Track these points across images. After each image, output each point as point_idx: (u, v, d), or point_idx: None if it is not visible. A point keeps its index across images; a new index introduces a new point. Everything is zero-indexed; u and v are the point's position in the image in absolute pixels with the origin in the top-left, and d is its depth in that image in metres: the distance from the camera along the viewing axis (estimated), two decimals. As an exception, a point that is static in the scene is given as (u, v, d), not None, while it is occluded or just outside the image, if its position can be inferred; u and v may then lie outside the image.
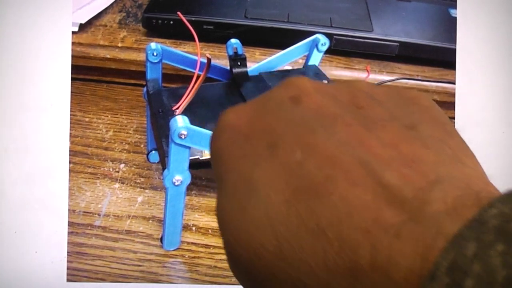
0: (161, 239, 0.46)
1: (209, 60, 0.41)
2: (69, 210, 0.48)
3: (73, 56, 0.51)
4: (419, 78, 0.63)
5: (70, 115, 0.51)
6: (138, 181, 0.52)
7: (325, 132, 0.13)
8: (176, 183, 0.39)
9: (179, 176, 0.39)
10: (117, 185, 0.51)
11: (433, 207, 0.11)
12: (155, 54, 0.44)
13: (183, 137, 0.36)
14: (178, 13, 0.44)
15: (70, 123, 0.50)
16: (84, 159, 0.53)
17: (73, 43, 0.51)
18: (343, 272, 0.11)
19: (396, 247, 0.10)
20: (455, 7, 0.54)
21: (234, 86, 0.47)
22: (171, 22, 0.62)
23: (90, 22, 0.62)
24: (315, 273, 0.11)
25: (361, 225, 0.11)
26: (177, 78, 0.57)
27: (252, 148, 0.14)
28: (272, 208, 0.13)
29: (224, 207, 0.14)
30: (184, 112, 0.41)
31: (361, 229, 0.11)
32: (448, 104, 0.57)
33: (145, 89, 0.48)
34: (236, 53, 0.48)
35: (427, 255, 0.10)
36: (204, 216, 0.49)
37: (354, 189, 0.12)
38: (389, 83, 0.60)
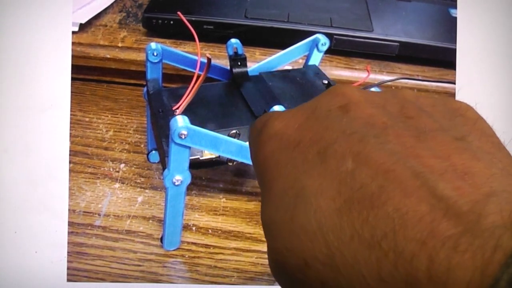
0: (161, 239, 0.46)
1: (209, 60, 0.41)
2: (69, 210, 0.48)
3: (73, 56, 0.51)
4: (419, 78, 0.63)
5: (70, 115, 0.51)
6: (138, 181, 0.52)
7: (376, 141, 0.13)
8: (176, 183, 0.39)
9: (179, 176, 0.39)
10: (117, 185, 0.51)
11: (489, 220, 0.11)
12: (155, 54, 0.44)
13: (183, 137, 0.36)
14: (178, 13, 0.44)
15: (70, 123, 0.50)
16: (84, 159, 0.53)
17: (73, 43, 0.51)
18: (399, 284, 0.11)
19: (454, 260, 0.10)
20: (455, 7, 0.54)
21: (234, 86, 0.47)
22: (171, 22, 0.62)
23: (90, 22, 0.62)
24: (368, 284, 0.11)
25: (417, 236, 0.11)
26: (177, 78, 0.57)
27: (301, 156, 0.14)
28: (323, 217, 0.12)
29: (272, 215, 0.14)
30: (184, 112, 0.41)
31: (417, 241, 0.11)
32: (448, 104, 0.57)
33: (145, 89, 0.48)
34: (236, 53, 0.48)
35: (486, 268, 0.10)
36: (204, 216, 0.49)
37: (409, 200, 0.12)
38: (389, 83, 0.60)
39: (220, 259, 0.46)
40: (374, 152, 0.13)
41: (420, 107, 0.15)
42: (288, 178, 0.14)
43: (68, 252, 0.46)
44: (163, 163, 0.41)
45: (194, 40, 0.42)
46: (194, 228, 0.48)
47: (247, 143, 0.41)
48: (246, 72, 0.48)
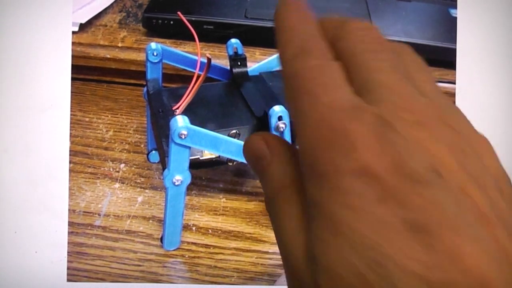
0: (161, 239, 0.46)
1: (209, 60, 0.41)
2: (69, 210, 0.48)
3: (73, 56, 0.51)
4: (419, 78, 0.63)
5: (70, 115, 0.51)
6: (138, 181, 0.52)
7: (473, 234, 0.12)
8: (176, 183, 0.39)
9: (179, 176, 0.39)
10: (117, 185, 0.51)
11: None
12: (155, 54, 0.44)
13: (183, 137, 0.36)
14: (178, 13, 0.44)
15: (70, 123, 0.50)
16: (84, 159, 0.53)
17: (73, 43, 0.51)
18: None
19: None
20: (455, 7, 0.54)
21: (234, 86, 0.47)
22: (171, 22, 0.62)
23: (90, 22, 0.62)
24: None
25: None
26: (177, 78, 0.57)
27: (387, 215, 0.12)
28: None
29: (340, 255, 0.12)
30: (184, 112, 0.41)
31: None
32: (448, 104, 0.57)
33: (145, 89, 0.48)
34: (236, 53, 0.48)
35: None
36: (204, 216, 0.49)
37: None
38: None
39: (220, 259, 0.46)
40: (470, 251, 0.12)
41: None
42: (370, 232, 0.12)
43: (68, 252, 0.46)
44: (163, 163, 0.41)
45: (194, 40, 0.42)
46: (194, 228, 0.48)
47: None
48: (246, 72, 0.48)
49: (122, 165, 0.53)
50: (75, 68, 0.53)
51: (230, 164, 0.43)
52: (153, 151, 0.53)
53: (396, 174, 0.13)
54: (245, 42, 0.48)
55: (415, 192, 0.12)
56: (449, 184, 0.13)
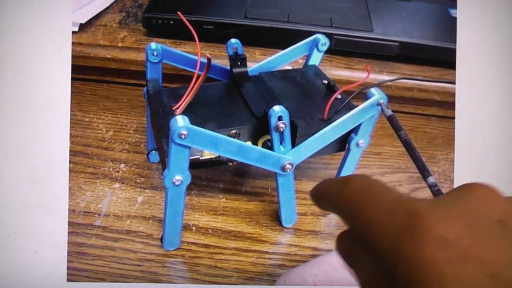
0: (161, 239, 0.46)
1: (209, 60, 0.41)
2: (69, 210, 0.48)
3: (73, 56, 0.51)
4: (419, 78, 0.63)
5: (70, 115, 0.51)
6: (138, 181, 0.52)
7: None
8: (176, 183, 0.39)
9: (179, 176, 0.39)
10: (117, 185, 0.51)
11: None
12: (155, 54, 0.44)
13: (183, 137, 0.36)
14: (178, 13, 0.44)
15: (70, 123, 0.50)
16: (84, 159, 0.53)
17: (73, 43, 0.51)
18: None
19: None
20: (455, 7, 0.54)
21: (234, 86, 0.47)
22: (171, 22, 0.62)
23: (90, 22, 0.62)
24: None
25: None
26: (177, 78, 0.57)
27: (471, 275, 0.14)
28: None
29: None
30: (184, 112, 0.41)
31: None
32: (448, 104, 0.57)
33: (145, 89, 0.48)
34: (236, 53, 0.48)
35: None
36: (204, 216, 0.49)
37: None
38: (389, 82, 0.60)
39: (220, 259, 0.46)
40: None
41: None
42: None
43: (68, 252, 0.46)
44: (163, 163, 0.41)
45: (194, 40, 0.42)
46: (194, 228, 0.48)
47: (248, 143, 0.41)
48: (246, 72, 0.48)
49: (122, 165, 0.53)
50: (75, 68, 0.53)
51: (230, 164, 0.43)
52: (153, 151, 0.53)
53: (475, 229, 0.15)
54: (245, 42, 0.48)
55: (492, 247, 0.14)
56: None
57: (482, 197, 0.16)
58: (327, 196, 0.20)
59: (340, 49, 0.63)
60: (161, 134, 0.40)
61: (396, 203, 0.16)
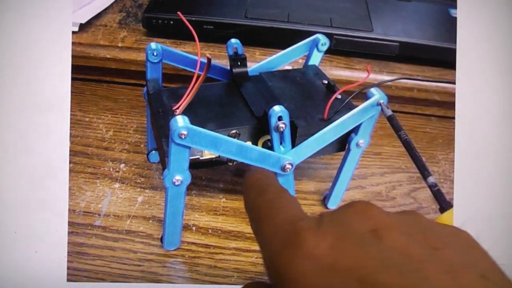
0: (161, 239, 0.46)
1: (209, 60, 0.41)
2: (69, 210, 0.48)
3: (73, 56, 0.51)
4: (419, 78, 0.63)
5: (70, 115, 0.51)
6: (138, 181, 0.52)
7: (416, 276, 0.14)
8: (176, 183, 0.39)
9: (179, 176, 0.39)
10: (117, 185, 0.51)
11: None
12: (155, 54, 0.44)
13: (183, 137, 0.36)
14: (178, 13, 0.44)
15: (70, 123, 0.50)
16: (84, 159, 0.53)
17: (73, 43, 0.51)
18: None
19: None
20: (455, 7, 0.54)
21: (234, 86, 0.47)
22: (171, 22, 0.62)
23: (90, 22, 0.62)
24: None
25: None
26: (177, 78, 0.57)
27: (339, 281, 0.14)
28: None
29: None
30: (184, 112, 0.41)
31: None
32: (448, 104, 0.57)
33: (145, 89, 0.48)
34: (236, 53, 0.48)
35: None
36: (204, 216, 0.49)
37: None
38: (389, 82, 0.60)
39: (220, 259, 0.46)
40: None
41: (439, 237, 0.16)
42: None
43: (68, 252, 0.46)
44: (163, 163, 0.41)
45: (194, 40, 0.42)
46: (194, 228, 0.48)
47: (248, 143, 0.41)
48: (246, 72, 0.48)
49: (122, 165, 0.53)
50: (75, 68, 0.53)
51: (230, 164, 0.43)
52: (153, 151, 0.53)
53: (345, 240, 0.16)
54: (245, 42, 0.48)
55: (360, 254, 0.15)
56: (387, 242, 0.16)
57: (357, 211, 0.17)
58: (245, 197, 0.21)
59: (340, 49, 0.63)
60: (161, 134, 0.40)
61: (285, 220, 0.18)
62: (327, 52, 0.51)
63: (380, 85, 0.43)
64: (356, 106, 0.42)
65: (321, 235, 0.16)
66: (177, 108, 0.41)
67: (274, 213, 0.19)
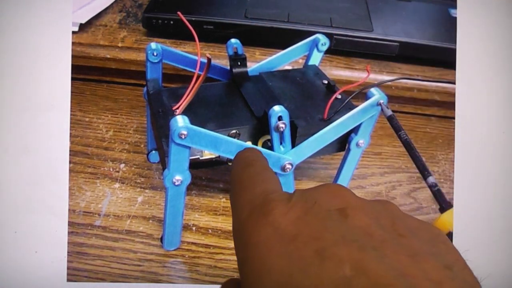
0: (161, 239, 0.46)
1: (209, 60, 0.41)
2: (69, 210, 0.48)
3: (73, 56, 0.51)
4: (419, 78, 0.63)
5: (70, 115, 0.51)
6: (138, 181, 0.52)
7: (375, 254, 0.14)
8: (176, 183, 0.39)
9: (179, 176, 0.39)
10: (117, 185, 0.51)
11: None
12: (155, 54, 0.44)
13: (183, 137, 0.36)
14: (178, 13, 0.44)
15: (70, 123, 0.50)
16: (84, 159, 0.53)
17: (73, 43, 0.51)
18: None
19: None
20: (455, 7, 0.54)
21: (234, 86, 0.47)
22: (171, 22, 0.62)
23: (90, 22, 0.62)
24: None
25: None
26: (177, 78, 0.57)
27: (299, 251, 0.14)
28: None
29: None
30: (184, 112, 0.41)
31: None
32: (448, 104, 0.57)
33: (145, 89, 0.48)
34: (236, 53, 0.48)
35: None
36: (204, 216, 0.49)
37: None
38: (389, 82, 0.60)
39: (220, 259, 0.46)
40: (373, 264, 0.13)
41: (408, 227, 0.16)
42: (283, 272, 0.14)
43: (68, 252, 0.46)
44: (163, 163, 0.41)
45: (194, 40, 0.42)
46: (194, 228, 0.48)
47: (248, 143, 0.41)
48: (246, 72, 0.48)
49: (122, 165, 0.53)
50: (75, 68, 0.53)
51: (230, 164, 0.43)
52: (153, 151, 0.53)
53: (311, 214, 0.16)
54: (245, 42, 0.48)
55: (323, 227, 0.15)
56: (351, 221, 0.16)
57: (328, 190, 0.17)
58: (231, 171, 0.22)
59: (340, 49, 0.63)
60: (161, 134, 0.40)
61: (260, 192, 0.18)
62: (327, 52, 0.51)
63: (380, 85, 0.43)
64: (356, 106, 0.42)
65: (289, 207, 0.16)
66: (177, 108, 0.41)
67: (252, 186, 0.19)
